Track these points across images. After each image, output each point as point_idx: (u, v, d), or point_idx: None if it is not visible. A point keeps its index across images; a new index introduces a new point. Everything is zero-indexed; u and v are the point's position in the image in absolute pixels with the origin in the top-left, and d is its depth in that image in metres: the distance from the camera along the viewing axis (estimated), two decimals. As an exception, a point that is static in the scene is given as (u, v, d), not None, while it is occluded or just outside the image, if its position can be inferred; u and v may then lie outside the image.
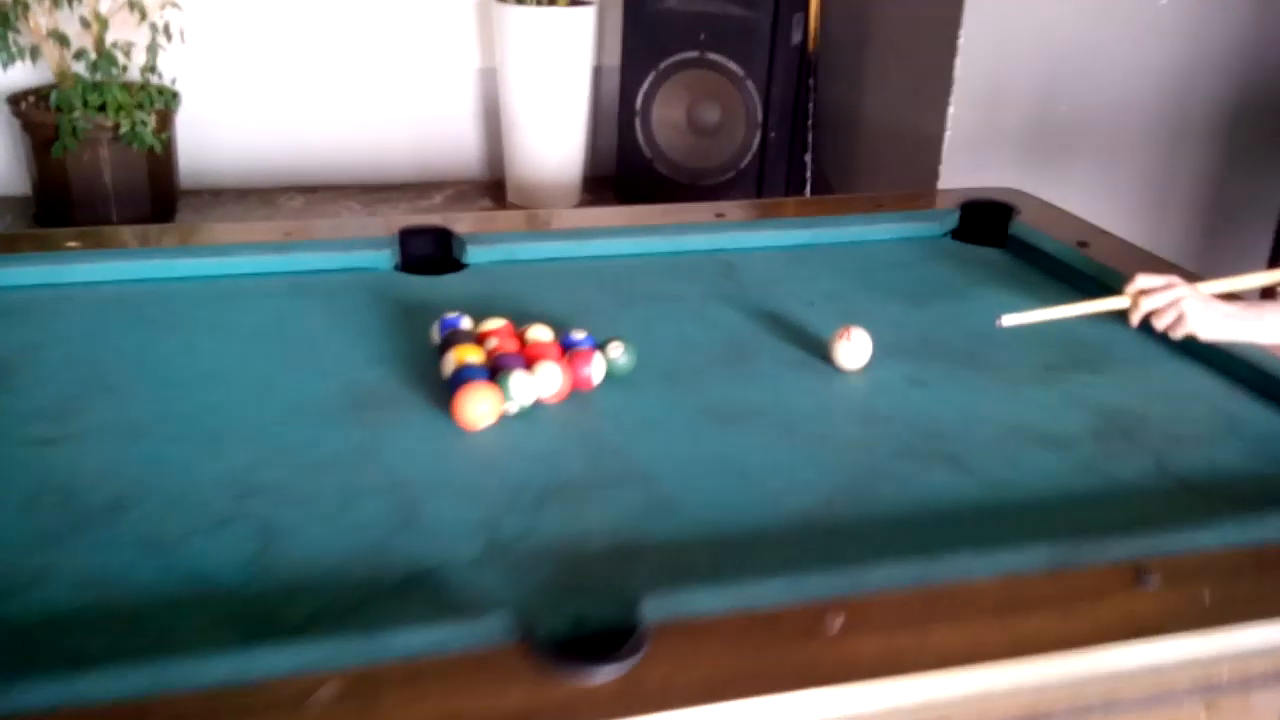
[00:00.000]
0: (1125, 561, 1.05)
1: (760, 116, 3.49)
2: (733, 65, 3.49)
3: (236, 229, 1.87)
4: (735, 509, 1.17)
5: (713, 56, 3.49)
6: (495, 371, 1.33)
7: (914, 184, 3.02)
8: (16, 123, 3.36)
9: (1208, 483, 1.26)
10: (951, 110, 2.87)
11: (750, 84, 3.47)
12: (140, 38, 3.32)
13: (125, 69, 3.29)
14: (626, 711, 0.84)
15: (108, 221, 3.24)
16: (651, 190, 3.66)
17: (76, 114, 3.11)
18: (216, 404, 1.32)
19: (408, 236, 1.79)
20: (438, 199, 3.80)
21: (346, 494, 1.15)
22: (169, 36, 3.34)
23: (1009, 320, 1.54)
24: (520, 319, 1.49)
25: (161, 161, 3.33)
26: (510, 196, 3.82)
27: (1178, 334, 1.54)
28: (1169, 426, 1.39)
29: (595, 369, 1.38)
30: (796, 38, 3.49)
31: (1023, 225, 1.98)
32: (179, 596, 0.99)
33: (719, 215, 1.99)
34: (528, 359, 1.37)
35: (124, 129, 3.14)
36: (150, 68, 3.31)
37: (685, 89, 3.59)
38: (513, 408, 1.31)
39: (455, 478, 1.20)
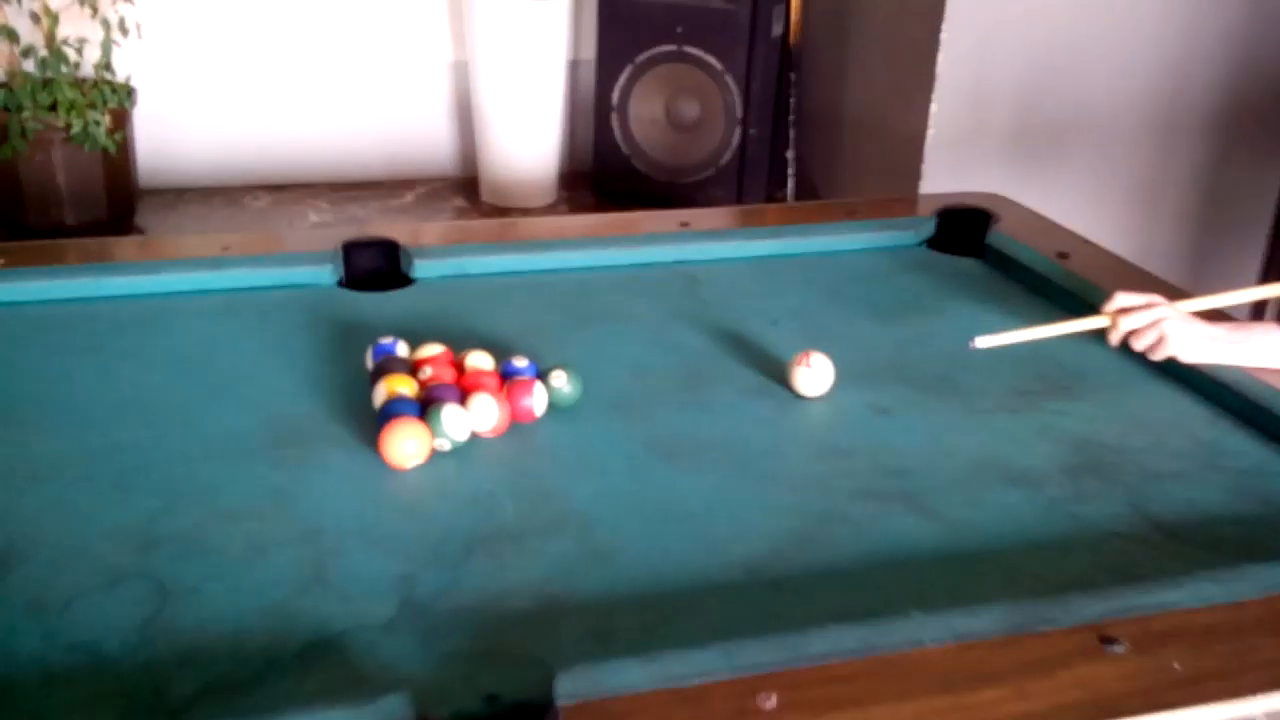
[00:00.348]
0: (1089, 624, 0.97)
1: (740, 112, 3.40)
2: (711, 59, 3.39)
3: (170, 243, 1.78)
4: (675, 560, 1.09)
5: (691, 50, 3.39)
6: (428, 405, 1.25)
7: (896, 184, 2.94)
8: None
9: (1185, 526, 1.18)
10: (934, 108, 2.77)
11: (730, 78, 3.37)
12: (94, 34, 3.22)
13: (78, 66, 3.19)
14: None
15: (61, 225, 3.14)
16: (630, 187, 3.57)
17: (26, 114, 3.01)
18: (128, 441, 1.24)
19: (352, 250, 1.70)
20: (409, 198, 3.70)
21: (255, 545, 1.07)
22: (124, 32, 3.24)
23: (983, 342, 1.46)
24: (464, 340, 1.41)
25: (117, 162, 3.24)
26: (484, 195, 3.73)
27: (1158, 355, 1.46)
28: (1146, 460, 1.31)
29: (537, 400, 1.30)
30: (777, 30, 3.40)
31: (1001, 235, 1.90)
32: (59, 669, 0.91)
33: (683, 224, 1.91)
34: (464, 390, 1.29)
35: (75, 129, 3.04)
36: (104, 65, 3.21)
37: (663, 84, 3.49)
38: (444, 445, 1.23)
39: (376, 526, 1.12)
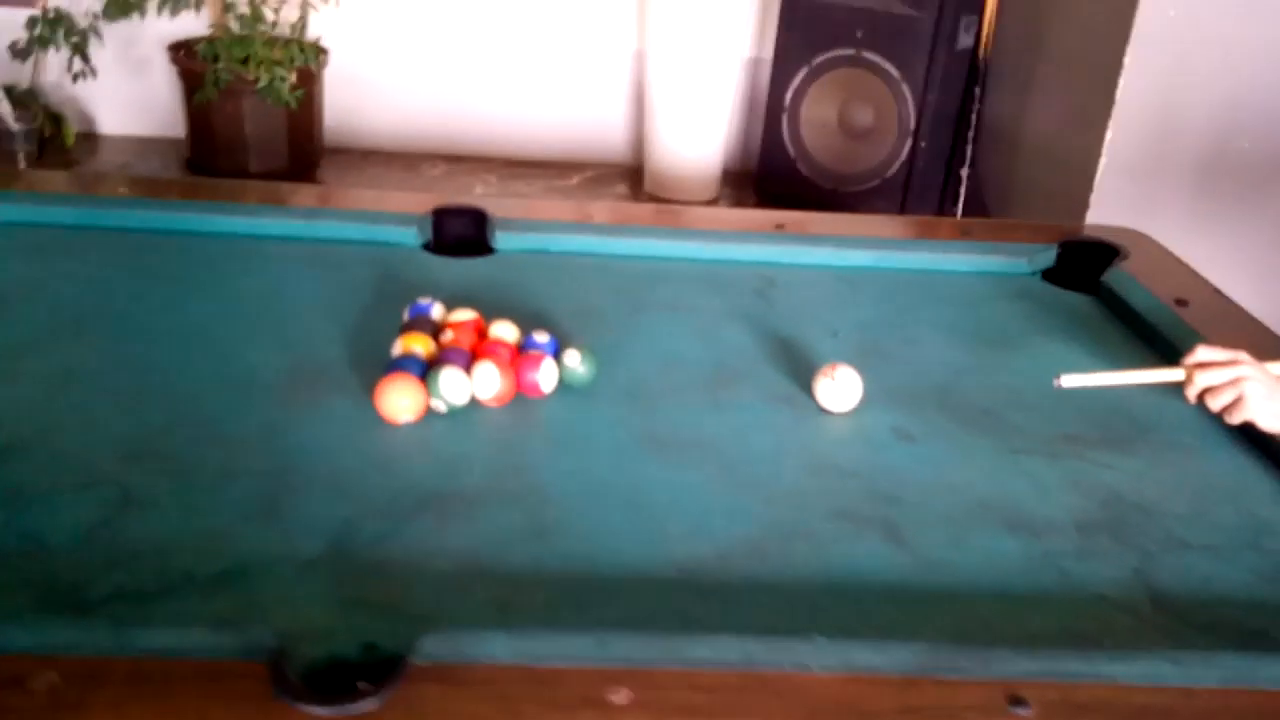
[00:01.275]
0: (1003, 680, 0.90)
1: (913, 123, 3.28)
2: (889, 66, 3.29)
3: (282, 189, 1.89)
4: (613, 549, 1.08)
5: (869, 55, 3.30)
6: (432, 366, 1.28)
7: (1064, 213, 2.76)
8: (175, 69, 3.57)
9: (1186, 603, 1.08)
10: (1110, 135, 2.59)
11: (906, 87, 3.26)
12: (298, -3, 3.46)
13: (274, 25, 3.42)
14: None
15: (245, 171, 3.40)
16: (792, 190, 3.51)
17: (221, 65, 3.27)
18: (162, 364, 1.33)
19: (442, 216, 1.76)
20: (574, 180, 3.78)
21: (226, 473, 1.14)
22: (325, -1, 3.46)
23: (1068, 382, 1.36)
24: (521, 313, 1.43)
25: (301, 117, 3.46)
26: (646, 185, 3.76)
27: (1235, 419, 1.33)
28: (1177, 528, 1.19)
29: (544, 376, 1.31)
30: (964, 42, 3.26)
31: (1121, 273, 1.77)
32: (4, 553, 0.99)
33: (779, 226, 1.87)
34: (475, 357, 1.31)
35: (262, 83, 3.27)
36: (300, 26, 3.44)
37: (838, 88, 3.41)
38: (440, 406, 1.26)
39: (343, 471, 1.16)
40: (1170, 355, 1.55)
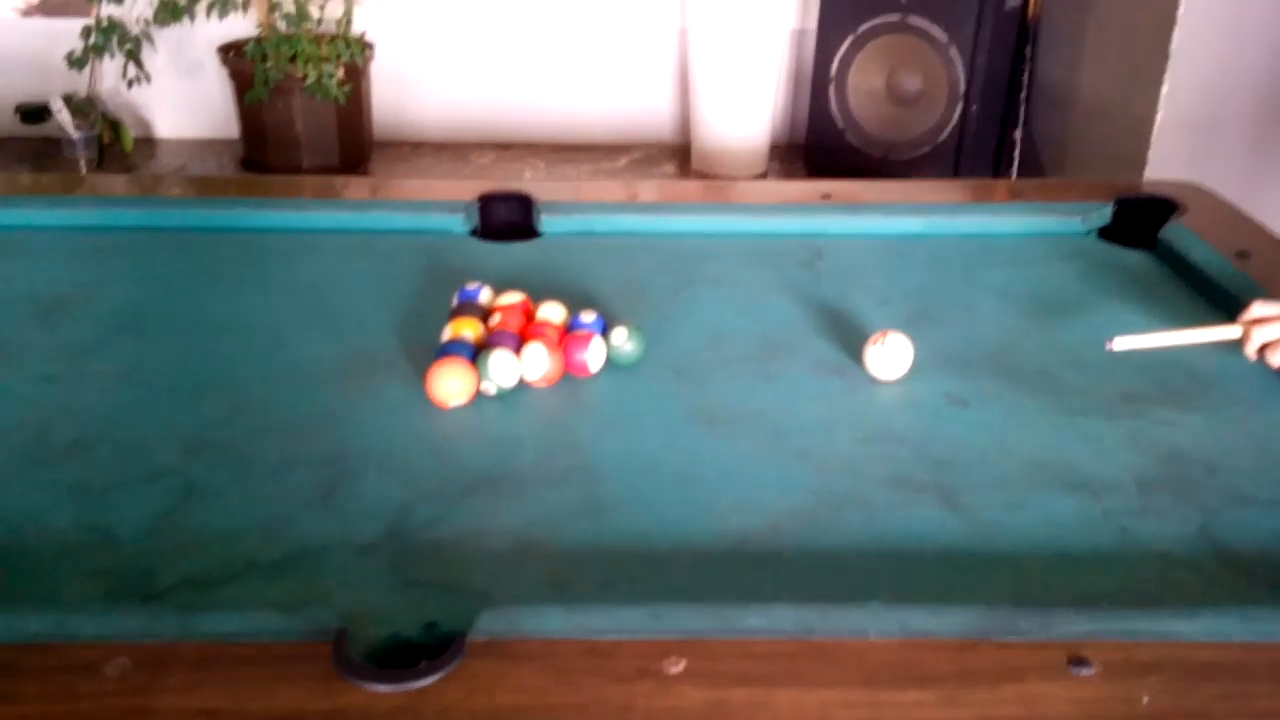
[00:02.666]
0: (1064, 641, 0.89)
1: (963, 87, 3.23)
2: (936, 30, 3.24)
3: (335, 182, 1.91)
4: (667, 522, 1.08)
5: (915, 20, 3.25)
6: (482, 349, 1.30)
7: (1122, 171, 2.71)
8: (225, 71, 3.63)
9: (1253, 559, 1.06)
10: (1165, 89, 2.53)
11: (955, 51, 3.21)
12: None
13: (320, 22, 3.46)
14: (402, 732, 0.79)
15: (299, 167, 3.44)
16: (842, 161, 3.47)
17: (269, 64, 3.31)
18: (219, 357, 1.36)
19: (488, 202, 1.78)
20: (622, 162, 3.78)
21: (285, 461, 1.16)
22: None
23: (1121, 344, 1.34)
24: (568, 295, 1.44)
25: (350, 112, 3.50)
26: (694, 163, 3.74)
27: (1298, 372, 1.30)
28: (1242, 483, 1.17)
29: (592, 355, 1.32)
30: (1013, 1, 3.19)
31: (1180, 227, 1.73)
32: (73, 545, 1.02)
33: (825, 196, 1.86)
34: (523, 339, 1.32)
35: (310, 79, 3.31)
36: (345, 22, 3.47)
37: (885, 55, 3.37)
38: (490, 389, 1.27)
39: (398, 455, 1.18)
40: (1232, 309, 1.51)
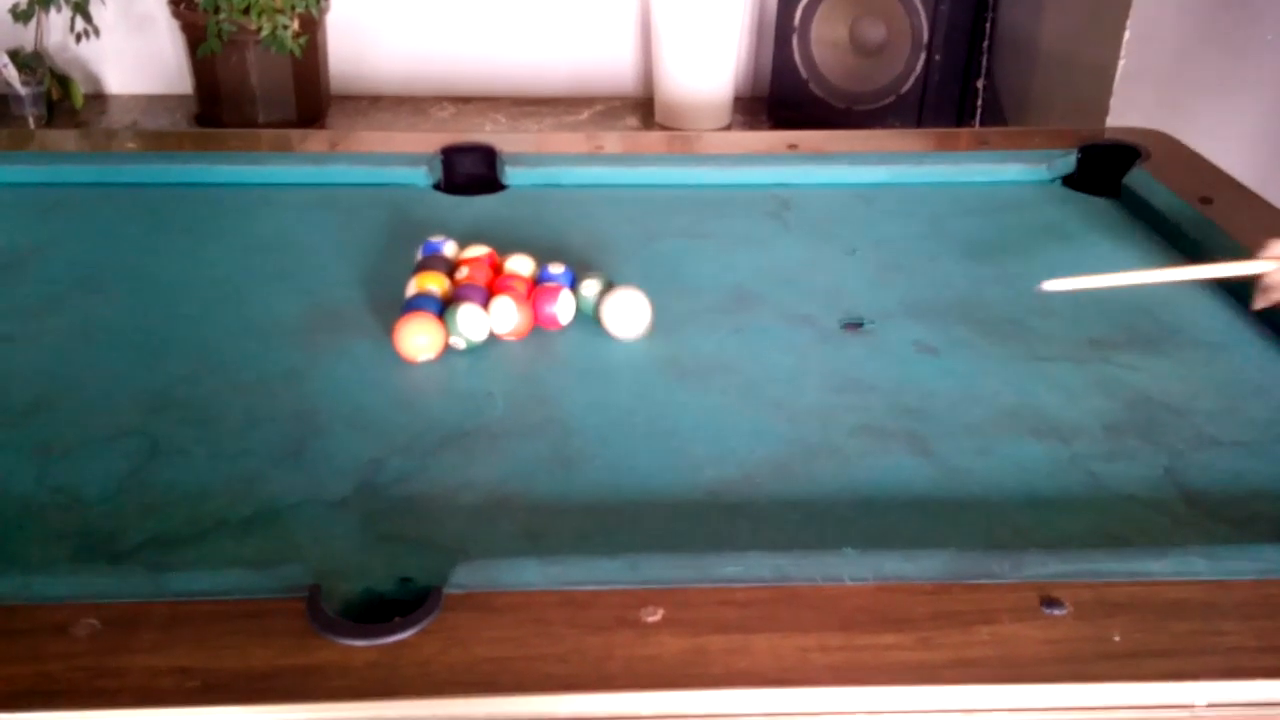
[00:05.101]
0: (1035, 583, 0.90)
1: (926, 37, 3.22)
2: (900, -21, 3.22)
3: (292, 136, 1.88)
4: (640, 474, 1.08)
5: (879, -32, 3.24)
6: (449, 303, 1.28)
7: (1082, 120, 2.71)
8: (177, 24, 3.54)
9: (1218, 499, 1.07)
10: (1128, 35, 2.53)
11: (917, 1, 3.19)
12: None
13: None
14: (383, 692, 0.79)
15: (254, 123, 3.37)
16: (806, 113, 3.46)
17: (222, 16, 3.24)
18: (181, 315, 1.34)
19: (451, 155, 1.75)
20: (584, 115, 3.74)
21: (251, 418, 1.14)
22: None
23: (1050, 286, 1.34)
24: (536, 248, 1.42)
25: (306, 66, 3.43)
26: (657, 116, 3.71)
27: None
28: (1207, 426, 1.18)
29: (561, 308, 1.31)
30: (975, -50, 3.19)
31: (1143, 174, 1.74)
32: (38, 506, 1.00)
33: (791, 146, 1.85)
34: (491, 292, 1.31)
35: (265, 32, 3.24)
36: (298, -30, 3.40)
37: (847, 5, 3.34)
38: (459, 343, 1.26)
39: (367, 411, 1.16)
40: (1194, 253, 1.53)
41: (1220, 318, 1.39)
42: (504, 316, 1.28)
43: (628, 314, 1.29)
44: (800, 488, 1.07)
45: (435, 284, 1.31)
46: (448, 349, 1.26)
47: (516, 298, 1.29)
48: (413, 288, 1.32)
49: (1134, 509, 1.05)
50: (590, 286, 1.33)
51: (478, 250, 1.39)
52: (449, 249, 1.41)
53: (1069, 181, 1.81)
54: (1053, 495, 1.07)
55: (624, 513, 1.02)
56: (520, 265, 1.37)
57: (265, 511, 1.01)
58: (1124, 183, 1.74)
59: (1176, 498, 1.07)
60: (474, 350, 1.27)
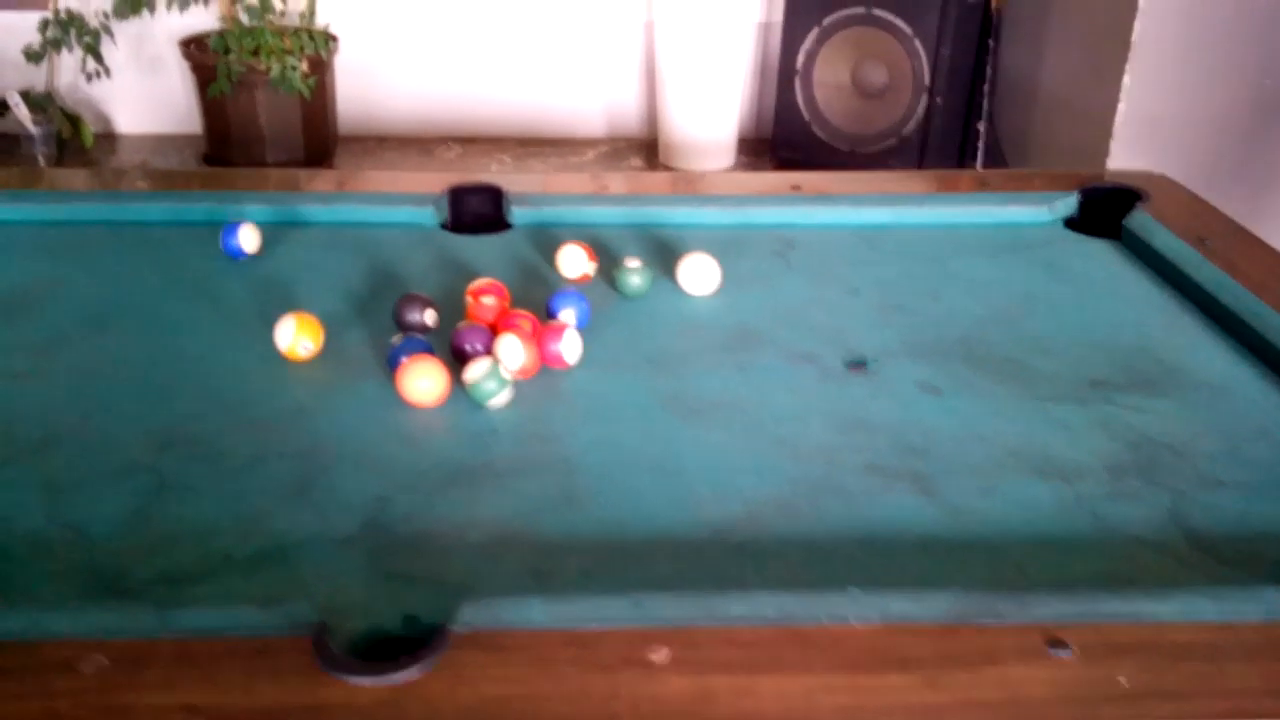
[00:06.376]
0: (1041, 625, 0.90)
1: (928, 79, 3.25)
2: (901, 22, 3.26)
3: (300, 176, 1.89)
4: (645, 512, 1.08)
5: (880, 13, 3.27)
6: (461, 356, 1.29)
7: (1083, 163, 2.73)
8: (187, 65, 3.59)
9: (1223, 540, 1.07)
10: (1127, 80, 2.55)
11: (919, 43, 3.23)
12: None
13: (283, 14, 3.43)
14: (385, 727, 0.79)
15: (262, 162, 3.41)
16: (809, 155, 3.49)
17: (231, 57, 3.27)
18: (191, 353, 1.35)
19: (458, 194, 1.77)
20: (589, 155, 3.77)
21: (259, 455, 1.15)
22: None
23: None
24: (542, 289, 1.46)
25: (314, 106, 3.47)
26: (661, 156, 3.74)
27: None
28: (1210, 467, 1.19)
29: (568, 348, 1.32)
30: (976, -6, 3.23)
31: (1143, 215, 1.75)
32: (47, 543, 1.01)
33: (795, 187, 1.86)
34: (497, 330, 1.32)
35: (274, 73, 3.28)
36: (309, 14, 3.44)
37: (850, 48, 3.38)
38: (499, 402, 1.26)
39: (374, 448, 1.17)
40: (1195, 294, 1.55)
41: (1222, 359, 1.40)
42: (511, 358, 1.28)
43: (701, 273, 1.50)
44: (805, 527, 1.07)
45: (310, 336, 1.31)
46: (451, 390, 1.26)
47: (523, 337, 1.30)
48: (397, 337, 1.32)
49: (1138, 550, 1.06)
50: (632, 267, 1.46)
51: (487, 285, 1.40)
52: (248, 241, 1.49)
53: (1070, 224, 1.82)
54: (1057, 536, 1.07)
55: (630, 551, 1.03)
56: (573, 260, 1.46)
57: (272, 549, 1.01)
58: (1124, 224, 1.76)
59: (1180, 539, 1.07)
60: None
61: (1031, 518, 1.10)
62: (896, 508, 1.11)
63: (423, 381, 1.23)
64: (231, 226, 1.54)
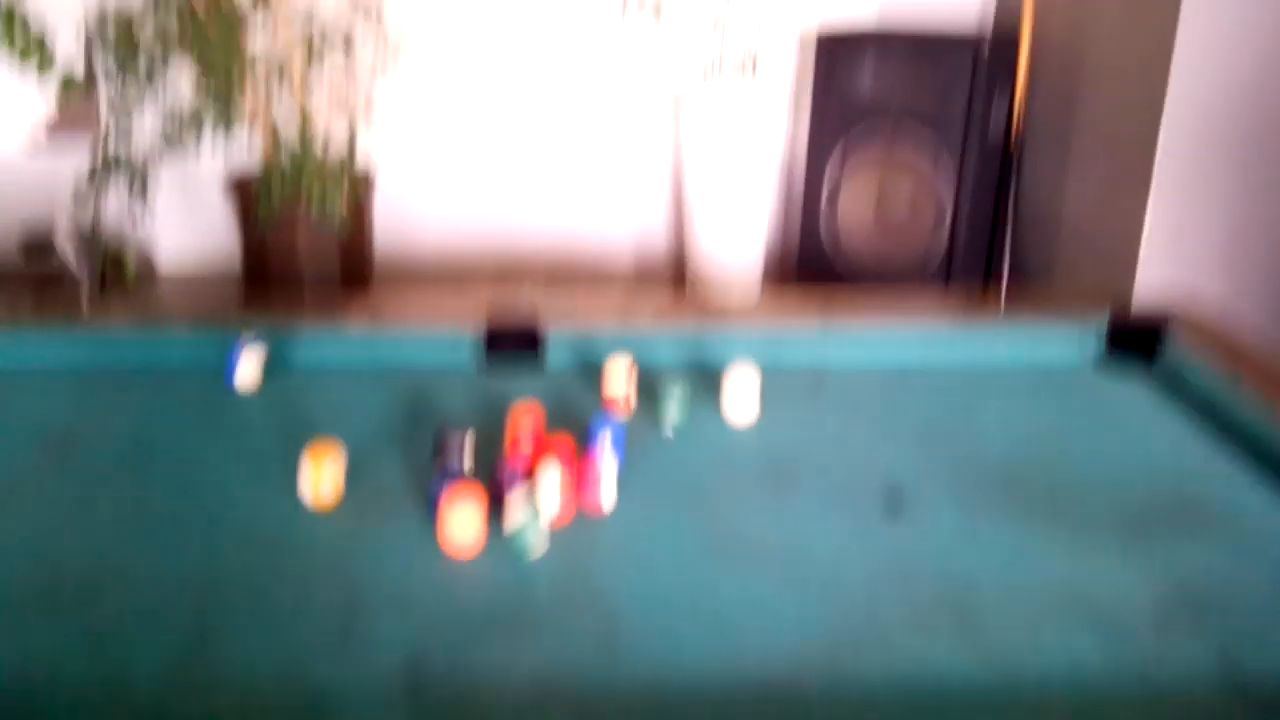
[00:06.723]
0: (1094, 787, 0.88)
1: (950, 214, 3.31)
2: (923, 156, 3.33)
3: (338, 312, 1.93)
4: (689, 664, 1.07)
5: (903, 148, 3.35)
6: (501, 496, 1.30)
7: (1108, 289, 2.75)
8: (228, 205, 3.70)
9: (1273, 695, 1.05)
10: (1151, 205, 2.58)
11: (941, 179, 3.29)
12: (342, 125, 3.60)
13: (325, 156, 3.54)
14: None
15: (300, 301, 3.48)
16: (833, 285, 3.53)
17: (273, 196, 3.37)
18: (235, 499, 1.36)
19: (494, 332, 1.80)
20: (617, 290, 3.83)
21: (300, 601, 1.15)
22: (368, 124, 3.59)
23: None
24: (578, 423, 1.49)
25: (353, 245, 3.56)
26: (689, 293, 3.80)
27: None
28: (1261, 613, 1.17)
29: (605, 494, 1.33)
30: (997, 130, 3.30)
31: (1173, 345, 1.77)
32: (87, 694, 1.01)
33: (825, 323, 1.89)
34: (532, 469, 1.34)
35: (314, 195, 3.36)
36: (349, 155, 3.55)
37: (874, 180, 3.45)
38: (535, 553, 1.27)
39: (412, 594, 1.17)
40: (1230, 428, 1.55)
41: (1260, 499, 1.39)
42: (549, 503, 1.29)
43: (745, 389, 1.58)
44: (849, 681, 1.06)
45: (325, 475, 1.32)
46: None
47: (561, 479, 1.31)
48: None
49: (1187, 707, 1.03)
50: (672, 398, 1.51)
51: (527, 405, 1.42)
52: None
53: (1101, 359, 1.83)
54: (1104, 690, 1.06)
55: (673, 705, 1.01)
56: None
57: (313, 701, 1.00)
58: (1155, 356, 1.77)
59: (1231, 694, 1.05)
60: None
61: (1074, 671, 1.08)
62: (940, 661, 1.09)
63: (464, 532, 1.24)
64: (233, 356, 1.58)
